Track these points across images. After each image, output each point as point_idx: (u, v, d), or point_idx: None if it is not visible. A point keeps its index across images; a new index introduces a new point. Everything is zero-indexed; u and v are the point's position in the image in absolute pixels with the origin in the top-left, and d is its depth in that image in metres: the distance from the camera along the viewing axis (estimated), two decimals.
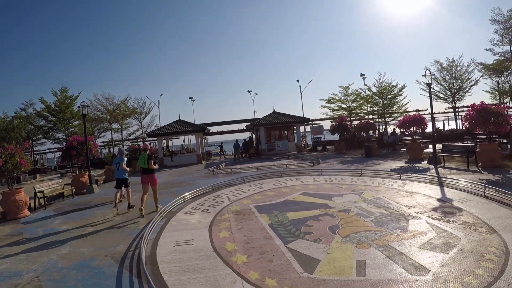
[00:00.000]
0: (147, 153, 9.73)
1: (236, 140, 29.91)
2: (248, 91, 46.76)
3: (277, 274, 4.80)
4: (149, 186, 9.61)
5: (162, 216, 8.48)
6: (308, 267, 5.01)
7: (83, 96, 38.91)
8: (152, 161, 9.58)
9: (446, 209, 7.72)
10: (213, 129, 41.10)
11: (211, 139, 49.28)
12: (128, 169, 10.47)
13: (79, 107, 16.20)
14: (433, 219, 7.02)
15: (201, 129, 31.10)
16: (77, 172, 17.03)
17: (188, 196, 10.68)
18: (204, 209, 9.14)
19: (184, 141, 43.73)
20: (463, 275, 4.37)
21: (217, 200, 10.15)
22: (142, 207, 9.14)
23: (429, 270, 4.61)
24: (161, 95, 59.26)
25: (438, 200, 8.65)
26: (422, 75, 36.09)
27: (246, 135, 41.47)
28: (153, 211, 9.49)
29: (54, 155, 44.82)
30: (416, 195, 9.37)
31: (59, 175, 30.40)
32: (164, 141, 31.96)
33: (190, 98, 49.91)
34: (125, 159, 10.55)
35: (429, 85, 17.58)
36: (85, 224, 8.89)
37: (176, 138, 38.51)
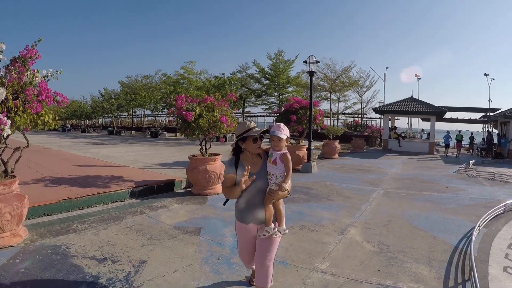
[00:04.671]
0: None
1: (448, 131, 26.23)
2: (485, 75, 39.05)
3: None
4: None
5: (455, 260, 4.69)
6: None
7: (300, 61, 36.61)
8: None
9: None
10: None
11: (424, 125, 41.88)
12: None
13: (305, 61, 13.55)
14: None
15: (440, 112, 26.54)
16: (288, 142, 13.70)
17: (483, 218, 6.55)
18: None
19: (407, 123, 37.55)
20: None
21: None
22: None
23: None
24: (387, 68, 52.76)
25: None
26: None
27: (475, 127, 38.51)
28: None
29: (265, 119, 45.21)
30: None
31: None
32: (389, 120, 28.66)
33: (416, 76, 42.15)
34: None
35: None
36: (311, 241, 5.34)
37: (397, 119, 32.89)
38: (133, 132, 44.38)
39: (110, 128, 44.13)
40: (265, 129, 3.16)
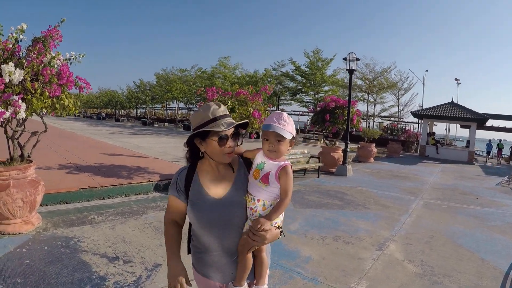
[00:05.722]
0: None
1: (490, 140, 26.99)
2: None
3: None
4: None
5: None
6: None
7: (338, 60, 35.73)
8: None
9: None
10: None
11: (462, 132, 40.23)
12: None
13: (344, 59, 13.06)
14: None
15: (482, 120, 24.89)
16: (323, 142, 13.31)
17: None
18: None
19: (445, 129, 36.01)
20: None
21: None
22: None
23: None
24: (427, 70, 49.62)
25: None
26: None
27: None
28: None
29: (299, 118, 44.45)
30: None
31: (301, 139, 29.92)
32: (428, 125, 27.74)
33: (456, 80, 39.94)
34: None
35: None
36: (346, 255, 4.74)
37: (435, 124, 31.67)
38: (166, 124, 44.86)
39: (144, 119, 44.92)
40: (243, 121, 1.76)
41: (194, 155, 1.75)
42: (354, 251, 4.79)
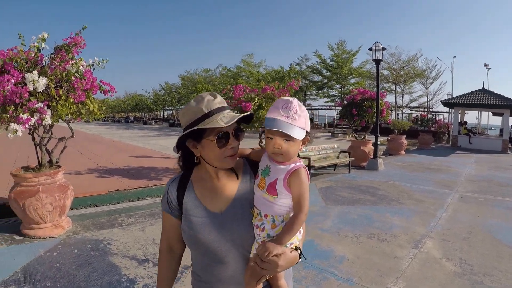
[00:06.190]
0: None
1: None
2: None
3: None
4: None
5: None
6: None
7: (364, 51, 34.97)
8: None
9: None
10: None
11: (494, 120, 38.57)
12: None
13: (370, 49, 12.67)
14: None
15: None
16: (352, 136, 13.02)
17: None
18: None
19: (477, 118, 34.72)
20: None
21: None
22: None
23: None
24: (455, 57, 47.22)
25: None
26: None
27: None
28: None
29: (326, 113, 44.10)
30: None
31: (330, 134, 29.70)
32: (459, 114, 26.26)
33: (485, 65, 38.17)
34: None
35: None
36: (381, 253, 4.52)
37: (466, 113, 30.63)
38: None
39: (171, 120, 45.58)
40: (246, 113, 1.30)
41: (187, 162, 1.37)
42: (390, 250, 4.56)
